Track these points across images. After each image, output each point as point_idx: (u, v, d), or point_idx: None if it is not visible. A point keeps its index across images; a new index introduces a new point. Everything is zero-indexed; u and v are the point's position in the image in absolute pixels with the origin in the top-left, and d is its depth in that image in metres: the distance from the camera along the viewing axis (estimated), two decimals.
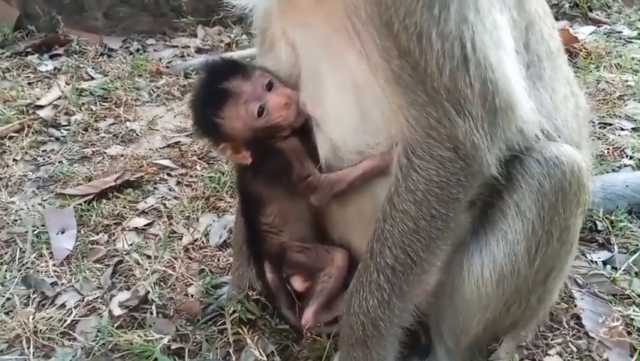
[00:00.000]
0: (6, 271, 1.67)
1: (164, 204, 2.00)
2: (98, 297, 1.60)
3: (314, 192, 1.31)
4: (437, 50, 1.00)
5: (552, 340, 1.42)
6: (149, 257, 1.74)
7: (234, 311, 1.46)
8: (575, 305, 1.49)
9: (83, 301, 1.58)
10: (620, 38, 3.18)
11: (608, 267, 1.62)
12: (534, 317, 1.29)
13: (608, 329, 1.34)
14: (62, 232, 1.80)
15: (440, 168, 1.07)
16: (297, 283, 1.42)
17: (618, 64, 2.82)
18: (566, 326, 1.45)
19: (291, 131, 1.33)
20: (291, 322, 1.45)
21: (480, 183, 1.11)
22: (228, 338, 1.43)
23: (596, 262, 1.63)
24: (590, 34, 3.19)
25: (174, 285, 1.65)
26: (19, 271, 1.68)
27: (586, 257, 1.64)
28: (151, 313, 1.53)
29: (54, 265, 1.69)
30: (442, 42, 1.00)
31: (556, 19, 3.34)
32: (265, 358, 1.37)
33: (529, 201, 1.15)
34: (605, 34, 3.19)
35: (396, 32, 1.01)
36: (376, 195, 1.24)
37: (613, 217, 1.78)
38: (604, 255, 1.67)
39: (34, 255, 1.73)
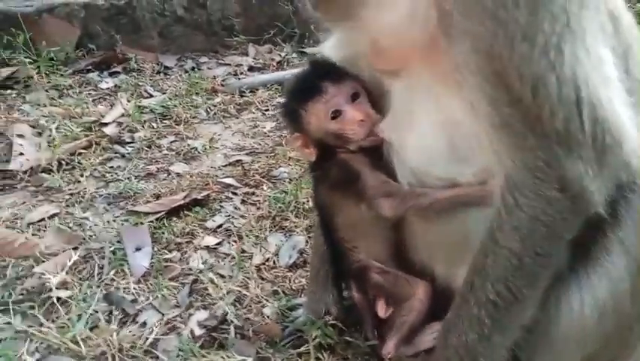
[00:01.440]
0: (87, 287, 1.71)
1: (232, 223, 2.03)
2: (176, 315, 1.62)
3: (389, 197, 1.30)
4: (553, 96, 1.00)
5: None
6: (222, 276, 1.77)
7: (316, 337, 1.46)
8: None
9: (162, 319, 1.60)
10: None
11: None
12: (632, 355, 1.25)
13: None
14: (138, 250, 1.84)
15: (547, 207, 1.07)
16: (380, 308, 1.42)
17: None
18: None
19: (358, 148, 1.35)
20: (373, 343, 1.44)
21: (585, 221, 1.10)
22: None
23: None
24: None
25: (250, 306, 1.66)
26: (99, 287, 1.72)
27: None
28: (230, 334, 1.55)
29: (133, 282, 1.73)
30: (559, 87, 1.00)
31: None
32: None
33: (634, 238, 1.12)
34: None
35: (509, 82, 1.01)
36: (467, 226, 1.23)
37: None
38: None
39: (112, 272, 1.77)
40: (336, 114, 1.34)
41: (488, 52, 1.01)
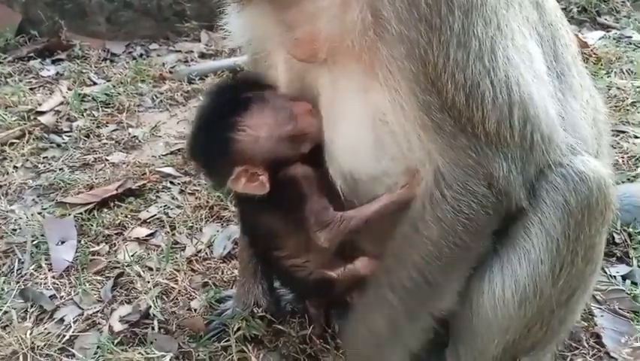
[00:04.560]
0: (3, 283, 1.62)
1: (167, 214, 1.95)
2: (97, 311, 1.54)
3: (325, 228, 1.22)
4: (487, 100, 0.99)
5: (572, 360, 1.37)
6: (150, 269, 1.69)
7: (239, 328, 1.41)
8: (595, 324, 1.43)
9: (82, 315, 1.52)
10: (630, 43, 3.12)
11: (628, 282, 1.56)
12: (554, 338, 1.23)
13: (631, 349, 1.28)
14: (62, 243, 1.75)
15: (472, 201, 1.05)
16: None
17: (629, 70, 2.76)
18: (586, 345, 1.40)
19: (308, 151, 1.24)
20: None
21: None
22: (232, 356, 1.38)
23: (614, 276, 1.57)
24: (599, 39, 3.14)
25: (177, 299, 1.60)
26: (18, 283, 1.63)
27: (604, 271, 1.57)
28: (152, 328, 1.48)
29: (53, 276, 1.64)
30: (493, 92, 0.99)
31: None
32: None
33: (554, 219, 1.09)
34: (614, 39, 3.14)
35: (443, 87, 0.99)
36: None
37: (631, 229, 1.72)
38: (623, 269, 1.61)
39: (32, 266, 1.68)
40: (286, 113, 1.21)
41: (423, 58, 0.99)
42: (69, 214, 1.89)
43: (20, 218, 1.90)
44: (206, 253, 1.76)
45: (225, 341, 1.42)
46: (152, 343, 1.42)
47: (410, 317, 1.11)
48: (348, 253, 1.33)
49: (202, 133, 1.27)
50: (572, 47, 1.24)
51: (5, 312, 1.51)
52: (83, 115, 2.58)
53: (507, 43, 1.02)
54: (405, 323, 1.12)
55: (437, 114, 1.01)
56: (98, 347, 1.42)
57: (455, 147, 1.03)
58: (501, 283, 1.13)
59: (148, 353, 1.38)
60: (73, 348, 1.43)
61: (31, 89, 2.82)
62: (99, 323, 1.51)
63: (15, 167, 2.20)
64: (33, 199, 2.03)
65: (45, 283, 1.63)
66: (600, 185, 1.08)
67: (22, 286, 1.61)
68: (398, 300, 1.10)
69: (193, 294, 1.60)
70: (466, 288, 1.15)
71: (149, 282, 1.63)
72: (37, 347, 1.41)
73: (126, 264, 1.71)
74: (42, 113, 2.57)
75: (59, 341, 1.44)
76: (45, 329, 1.47)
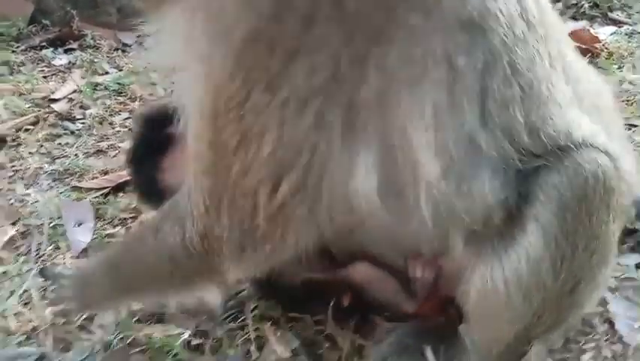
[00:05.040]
0: (23, 263, 1.64)
1: None
2: None
3: None
4: None
5: (584, 344, 1.38)
6: None
7: (255, 307, 1.43)
8: (609, 310, 1.44)
9: None
10: None
11: None
12: (564, 324, 1.24)
13: None
14: (79, 225, 1.77)
15: None
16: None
17: None
18: (599, 331, 1.41)
19: None
20: None
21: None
22: (249, 335, 1.40)
23: (627, 265, 1.58)
24: (611, 34, 3.14)
25: None
26: (36, 263, 1.65)
27: (619, 262, 1.58)
28: (169, 308, 1.50)
29: (71, 257, 1.66)
30: None
31: (575, 19, 3.31)
32: (289, 353, 1.34)
33: (550, 214, 1.08)
34: (626, 34, 3.14)
35: None
36: None
37: None
38: (635, 258, 1.62)
39: (50, 247, 1.70)
40: None
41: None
42: (85, 198, 1.92)
43: (37, 201, 1.92)
44: None
45: (242, 321, 1.44)
46: (170, 321, 1.44)
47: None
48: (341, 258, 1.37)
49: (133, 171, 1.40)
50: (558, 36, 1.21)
51: (25, 290, 1.53)
52: (95, 103, 2.60)
53: None
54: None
55: None
56: (116, 324, 1.44)
57: None
58: (503, 279, 1.13)
59: (167, 331, 1.40)
60: (92, 325, 1.45)
61: (44, 77, 2.85)
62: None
63: (30, 152, 2.23)
64: (48, 184, 2.05)
65: (63, 264, 1.65)
66: (597, 174, 1.06)
67: (41, 266, 1.63)
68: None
69: None
70: (469, 282, 1.17)
71: None
72: (57, 324, 1.44)
73: None
74: (55, 100, 2.59)
75: (78, 319, 1.46)
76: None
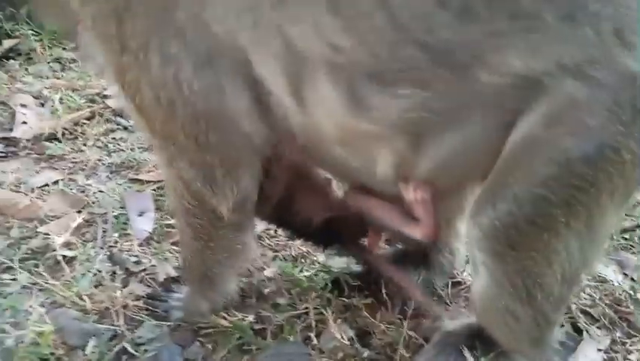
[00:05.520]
0: (91, 248, 1.74)
1: None
2: (179, 276, 1.66)
3: None
4: None
5: (631, 346, 1.44)
6: None
7: (316, 296, 1.51)
8: None
9: (167, 279, 1.64)
10: None
11: None
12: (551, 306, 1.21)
13: None
14: (141, 215, 1.88)
15: None
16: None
17: None
18: None
19: None
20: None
21: None
22: (310, 322, 1.48)
23: None
24: None
25: (250, 269, 1.71)
26: (102, 248, 1.75)
27: None
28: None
29: (135, 245, 1.76)
30: None
31: None
32: (347, 342, 1.42)
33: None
34: None
35: None
36: None
37: None
38: None
39: (116, 235, 1.81)
40: None
41: None
42: (144, 190, 2.02)
43: (100, 191, 2.03)
44: (274, 231, 1.87)
45: (302, 308, 1.52)
46: (233, 307, 1.53)
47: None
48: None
49: None
50: None
51: (95, 274, 1.64)
52: None
53: None
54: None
55: None
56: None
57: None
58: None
59: (230, 316, 1.49)
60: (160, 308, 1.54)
61: (95, 74, 2.97)
62: (183, 287, 1.62)
63: (87, 145, 2.35)
64: (107, 175, 2.16)
65: (129, 250, 1.75)
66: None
67: (108, 252, 1.73)
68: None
69: (265, 266, 1.71)
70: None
71: None
72: (129, 305, 1.53)
73: None
74: (108, 96, 2.71)
75: (148, 300, 1.55)
76: (133, 289, 1.59)
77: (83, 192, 2.05)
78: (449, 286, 1.63)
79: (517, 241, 1.07)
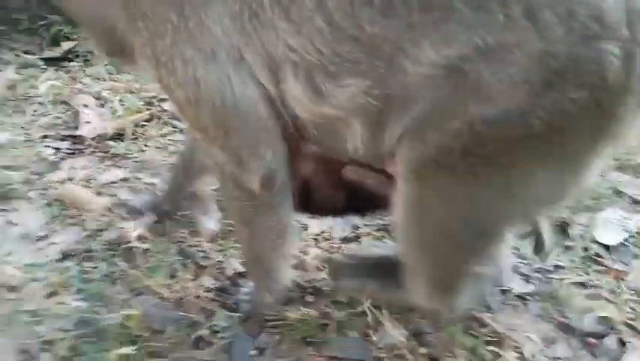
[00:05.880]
0: (162, 242, 1.89)
1: None
2: (245, 271, 1.79)
3: None
4: None
5: None
6: None
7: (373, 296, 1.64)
8: None
9: (235, 274, 1.78)
10: None
11: None
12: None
13: None
14: (207, 214, 2.02)
15: None
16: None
17: None
18: None
19: None
20: None
21: None
22: (368, 320, 1.61)
23: None
24: None
25: (307, 269, 1.84)
26: (174, 243, 1.90)
27: None
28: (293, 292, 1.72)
29: (206, 242, 1.90)
30: None
31: None
32: (405, 340, 1.54)
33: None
34: None
35: None
36: None
37: None
38: None
39: (186, 231, 1.95)
40: None
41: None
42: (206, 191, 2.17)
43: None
44: (328, 234, 2.00)
45: (361, 307, 1.65)
46: (296, 303, 1.66)
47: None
48: None
49: None
50: None
51: (169, 265, 1.78)
52: None
53: None
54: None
55: None
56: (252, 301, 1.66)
57: None
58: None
59: (295, 311, 1.62)
60: (230, 299, 1.68)
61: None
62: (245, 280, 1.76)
63: (148, 145, 2.50)
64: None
65: (196, 246, 1.89)
66: None
67: (178, 247, 1.87)
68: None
69: (322, 267, 1.84)
70: None
71: None
72: (200, 296, 1.67)
73: None
74: (164, 100, 2.87)
75: (218, 295, 1.69)
76: (203, 282, 1.73)
77: (147, 189, 2.20)
78: (497, 293, 1.74)
79: (428, 184, 1.25)
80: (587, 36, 1.09)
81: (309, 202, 1.64)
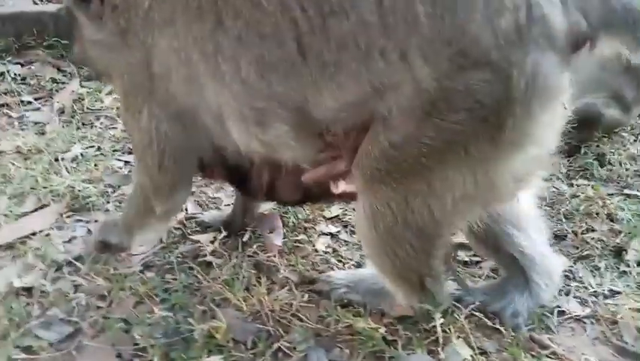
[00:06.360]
0: (235, 257, 2.01)
1: (346, 214, 2.31)
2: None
3: None
4: None
5: None
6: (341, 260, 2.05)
7: (442, 315, 1.72)
8: None
9: (304, 289, 1.89)
10: None
11: None
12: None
13: None
14: (272, 232, 2.14)
15: None
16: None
17: None
18: None
19: None
20: None
21: None
22: (437, 337, 1.69)
23: None
24: None
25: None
26: (245, 257, 2.01)
27: None
28: (360, 307, 1.82)
29: (273, 256, 2.02)
30: None
31: None
32: (470, 358, 1.62)
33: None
34: None
35: None
36: None
37: None
38: None
39: (255, 246, 2.07)
40: None
41: None
42: (273, 209, 2.28)
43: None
44: None
45: (427, 324, 1.73)
46: (365, 315, 1.76)
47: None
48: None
49: None
50: None
51: (244, 277, 1.90)
52: None
53: None
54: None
55: None
56: (321, 316, 1.77)
57: None
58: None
59: (366, 323, 1.71)
60: (300, 313, 1.79)
61: None
62: (316, 297, 1.86)
63: None
64: (231, 191, 2.43)
65: (268, 261, 2.00)
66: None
67: (251, 261, 1.99)
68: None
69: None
70: None
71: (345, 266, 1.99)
72: (276, 311, 1.78)
73: (324, 252, 2.07)
74: None
75: (290, 308, 1.80)
76: (278, 296, 1.84)
77: (214, 203, 2.33)
78: (554, 314, 1.82)
79: (375, 196, 1.48)
80: (454, 70, 1.28)
81: (273, 195, 1.96)
